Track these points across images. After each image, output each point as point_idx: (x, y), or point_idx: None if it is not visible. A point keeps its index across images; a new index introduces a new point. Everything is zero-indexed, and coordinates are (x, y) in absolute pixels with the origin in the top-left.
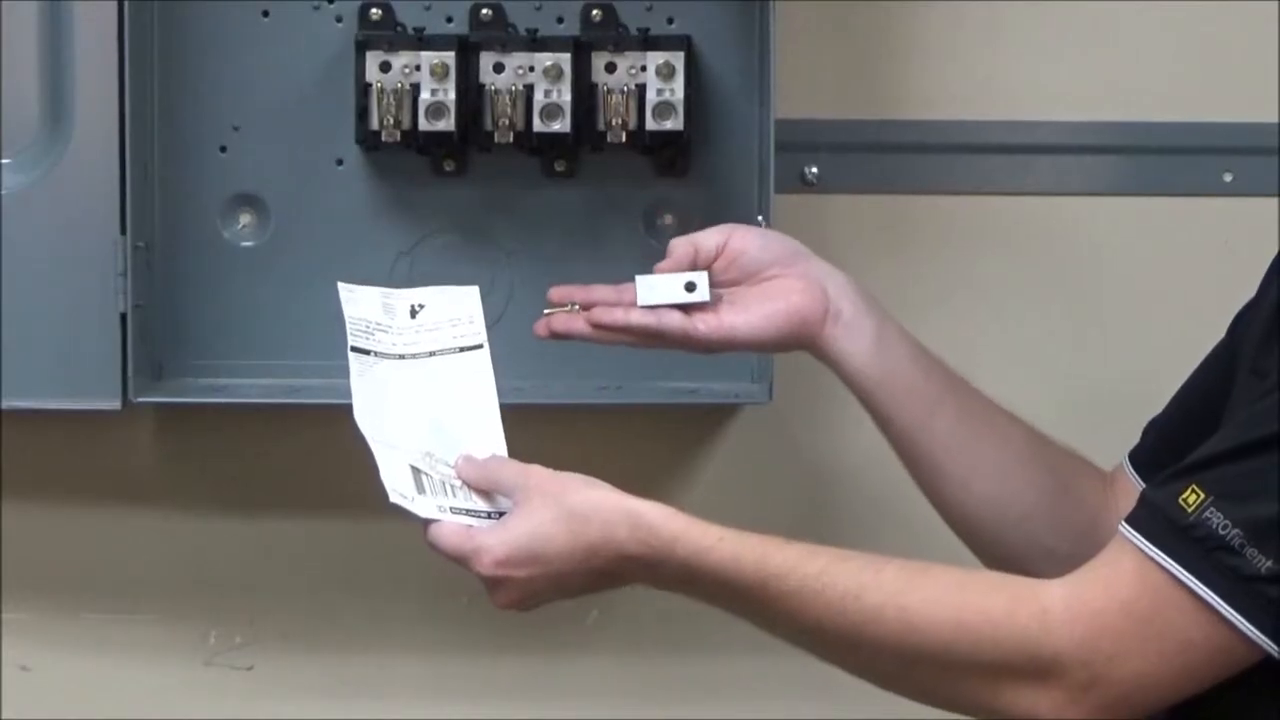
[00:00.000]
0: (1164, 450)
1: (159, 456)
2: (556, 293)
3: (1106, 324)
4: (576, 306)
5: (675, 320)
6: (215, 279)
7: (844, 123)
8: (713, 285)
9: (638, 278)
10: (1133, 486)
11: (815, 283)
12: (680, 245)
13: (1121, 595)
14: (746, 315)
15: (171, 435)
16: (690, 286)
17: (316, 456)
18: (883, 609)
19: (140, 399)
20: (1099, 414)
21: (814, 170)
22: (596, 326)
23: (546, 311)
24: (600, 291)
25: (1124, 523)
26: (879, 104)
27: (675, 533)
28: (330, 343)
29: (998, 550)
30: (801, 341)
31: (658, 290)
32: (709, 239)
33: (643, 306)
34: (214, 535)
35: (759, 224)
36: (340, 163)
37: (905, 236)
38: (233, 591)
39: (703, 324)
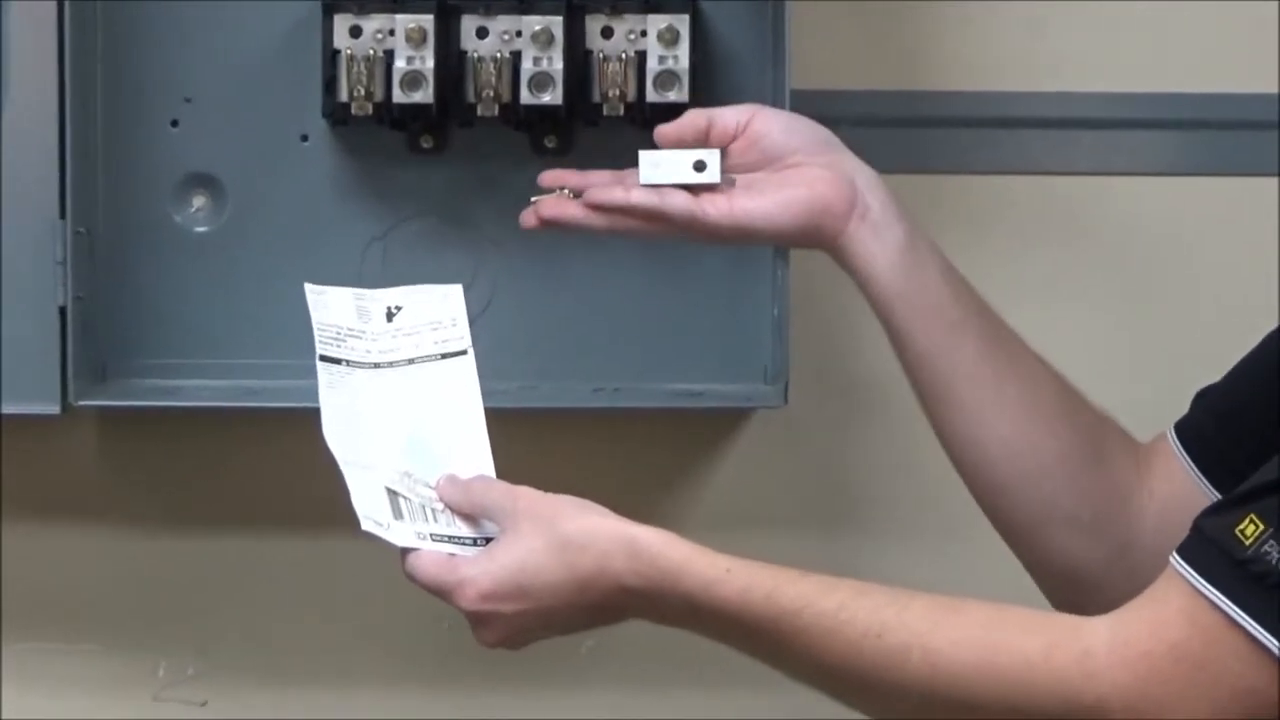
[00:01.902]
0: (1210, 424)
1: (102, 467)
2: (547, 176)
3: (1156, 315)
4: (569, 192)
5: (680, 201)
6: (166, 268)
7: (867, 94)
8: (728, 169)
9: (641, 153)
10: (1174, 458)
11: (843, 174)
12: (693, 117)
13: (1171, 636)
14: (762, 200)
15: (117, 443)
16: (700, 165)
17: (279, 467)
18: (906, 650)
19: (82, 402)
20: (1145, 410)
21: None
22: (593, 208)
23: (533, 200)
24: (597, 175)
25: (1175, 553)
26: (907, 73)
27: (679, 563)
28: (294, 339)
29: (1011, 508)
30: (822, 236)
31: (662, 167)
32: (729, 116)
33: (645, 185)
34: (164, 555)
35: None
36: (305, 139)
37: (935, 221)
38: (185, 618)
39: (712, 207)
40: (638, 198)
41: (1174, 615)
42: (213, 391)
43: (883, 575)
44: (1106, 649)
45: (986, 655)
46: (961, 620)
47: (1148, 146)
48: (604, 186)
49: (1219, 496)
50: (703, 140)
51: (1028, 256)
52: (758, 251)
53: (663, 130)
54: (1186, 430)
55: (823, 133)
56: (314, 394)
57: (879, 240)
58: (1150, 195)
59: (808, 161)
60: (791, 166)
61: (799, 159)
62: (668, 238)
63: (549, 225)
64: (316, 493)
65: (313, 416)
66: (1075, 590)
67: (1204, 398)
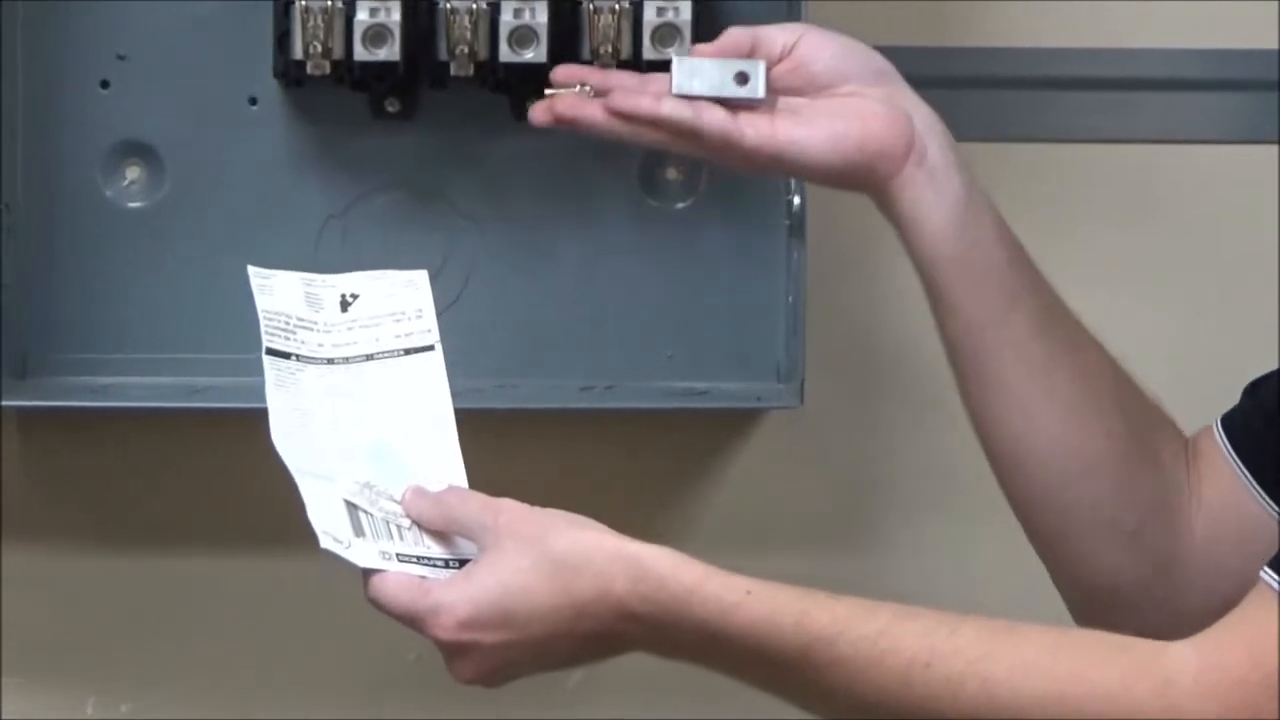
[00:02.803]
0: (1258, 416)
1: (25, 475)
2: (562, 71)
3: (1221, 301)
4: (590, 89)
5: (718, 118)
6: (96, 250)
7: (899, 51)
8: (771, 90)
9: (675, 59)
10: (1221, 455)
11: (900, 111)
12: (735, 34)
13: (1268, 663)
14: (810, 130)
15: (40, 448)
16: (742, 78)
17: (227, 477)
18: (960, 680)
19: (1, 402)
20: (1207, 398)
21: None
22: (616, 114)
23: (548, 92)
24: (621, 76)
25: (1267, 568)
26: (943, 28)
27: (690, 585)
28: (243, 330)
29: (1050, 510)
30: (872, 179)
31: (700, 76)
32: (775, 34)
33: (678, 95)
34: (95, 576)
35: (788, 201)
36: (254, 102)
37: None
38: (118, 647)
39: (751, 129)
40: (669, 109)
41: (1270, 637)
42: (150, 390)
43: (915, 598)
44: (1192, 678)
45: (1054, 685)
46: (1022, 645)
47: (1216, 109)
48: (631, 91)
49: (1268, 501)
50: (750, 55)
51: (1076, 236)
52: (769, 230)
53: (699, 48)
54: (1233, 420)
55: (879, 61)
56: (264, 393)
57: (935, 189)
58: (1219, 164)
59: (861, 92)
60: (842, 96)
61: (851, 88)
62: (694, 157)
63: (564, 124)
64: (270, 506)
65: (265, 419)
66: (1107, 610)
67: (1255, 390)
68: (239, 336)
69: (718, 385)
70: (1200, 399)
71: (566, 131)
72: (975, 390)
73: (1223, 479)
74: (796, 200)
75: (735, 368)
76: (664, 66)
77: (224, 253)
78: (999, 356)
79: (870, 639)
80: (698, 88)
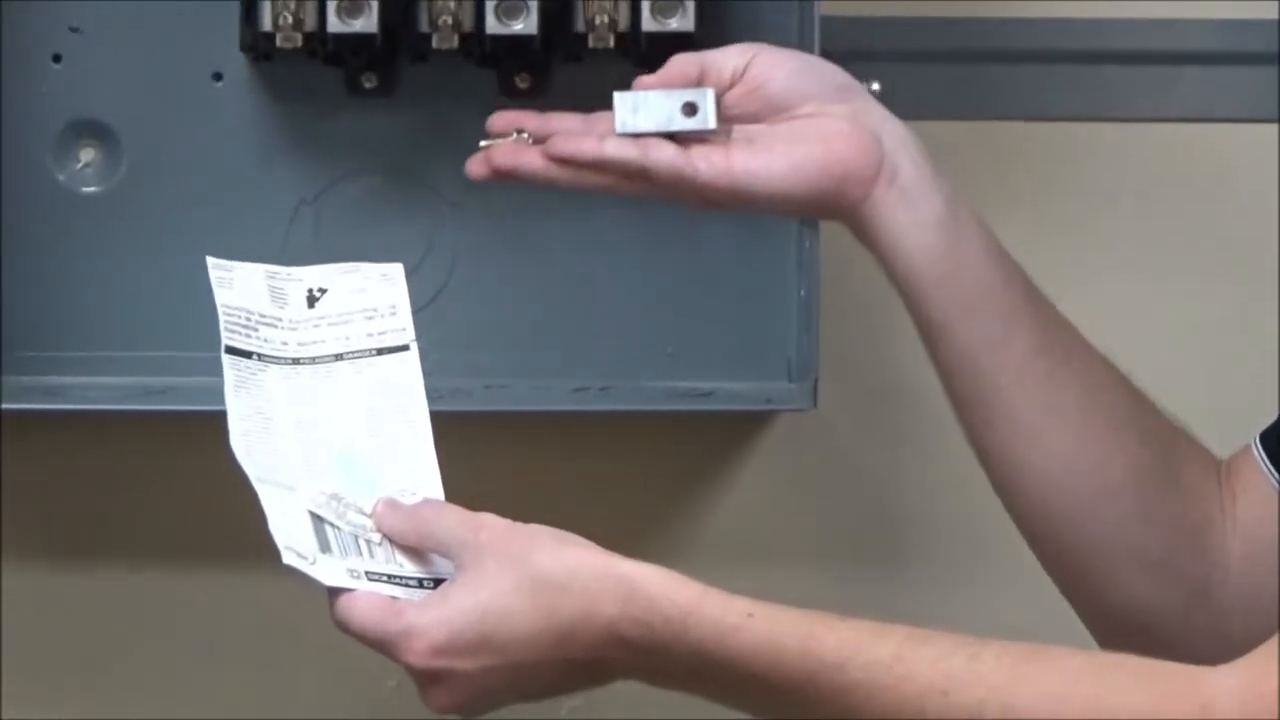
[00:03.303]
0: None
1: None
2: (499, 119)
3: (1271, 288)
4: (528, 136)
5: (666, 155)
6: (47, 238)
7: (916, 22)
8: (724, 118)
9: (616, 94)
10: (1261, 475)
11: (865, 128)
12: (680, 63)
13: None
14: (769, 158)
15: None
16: (690, 108)
17: (187, 486)
18: (981, 708)
19: None
20: (1254, 403)
21: (874, 87)
22: (556, 160)
23: (483, 144)
24: (562, 120)
25: None
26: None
27: (685, 607)
28: (207, 326)
29: (1064, 540)
30: (841, 204)
31: (644, 111)
32: (725, 58)
33: (622, 134)
34: (46, 592)
35: None
36: (219, 78)
37: (1000, 176)
38: (69, 670)
39: (705, 163)
40: (612, 150)
41: None
42: (106, 392)
43: (934, 619)
44: (1236, 704)
45: (1083, 713)
46: (1047, 670)
47: (1263, 85)
48: (571, 134)
49: None
50: (698, 83)
51: (1113, 218)
52: (773, 222)
53: (643, 80)
54: (1273, 437)
55: (840, 76)
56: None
57: (910, 210)
58: (1267, 144)
59: (822, 112)
60: (802, 118)
61: (811, 109)
62: (648, 199)
63: (502, 177)
64: (234, 520)
65: (219, 420)
66: (1143, 645)
67: None
68: (203, 332)
69: (723, 386)
70: (1232, 401)
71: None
72: (972, 415)
73: (1260, 497)
74: None
75: (742, 366)
76: (666, 40)
77: (185, 242)
78: (996, 381)
79: (882, 664)
80: (643, 123)
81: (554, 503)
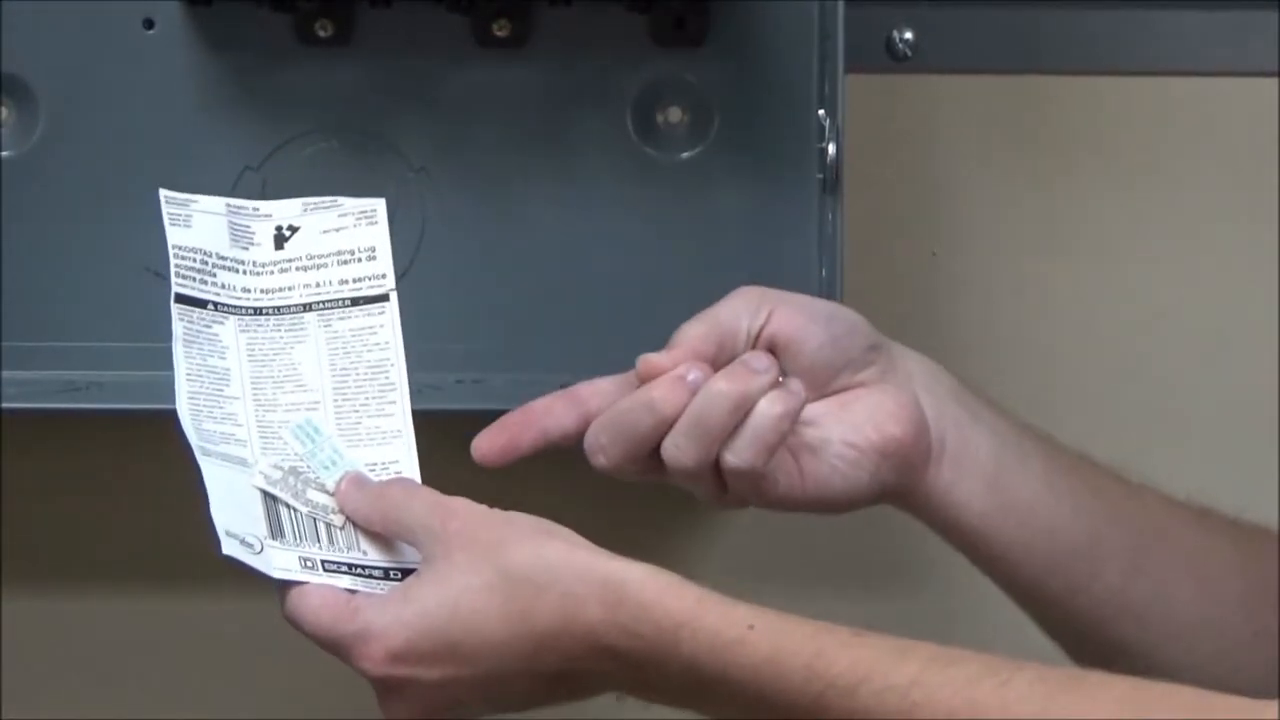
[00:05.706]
0: None
1: None
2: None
3: None
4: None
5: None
6: None
7: None
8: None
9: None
10: None
11: (908, 394)
12: (693, 338)
13: None
14: (831, 467)
15: None
16: None
17: (117, 493)
18: None
19: None
20: None
21: (907, 36)
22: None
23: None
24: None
25: None
26: None
27: (680, 617)
28: (140, 311)
29: (1170, 664)
30: (898, 492)
31: None
32: (735, 321)
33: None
34: None
35: (821, 150)
36: (150, 25)
37: (1043, 136)
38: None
39: (782, 474)
40: (733, 460)
41: None
42: (22, 387)
43: (962, 639)
44: None
45: None
46: (1087, 700)
47: None
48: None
49: None
50: (714, 364)
51: (1164, 180)
52: (797, 185)
53: (650, 361)
54: None
55: (854, 320)
56: (170, 392)
57: (962, 475)
58: None
59: (857, 382)
60: (841, 392)
61: (846, 379)
62: (703, 498)
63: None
64: (173, 528)
65: (167, 421)
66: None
67: None
68: (131, 320)
69: None
70: None
71: (544, 67)
72: (1069, 641)
73: None
74: (832, 149)
75: None
76: None
77: (112, 213)
78: (1102, 613)
79: (899, 690)
80: None
81: (543, 510)
